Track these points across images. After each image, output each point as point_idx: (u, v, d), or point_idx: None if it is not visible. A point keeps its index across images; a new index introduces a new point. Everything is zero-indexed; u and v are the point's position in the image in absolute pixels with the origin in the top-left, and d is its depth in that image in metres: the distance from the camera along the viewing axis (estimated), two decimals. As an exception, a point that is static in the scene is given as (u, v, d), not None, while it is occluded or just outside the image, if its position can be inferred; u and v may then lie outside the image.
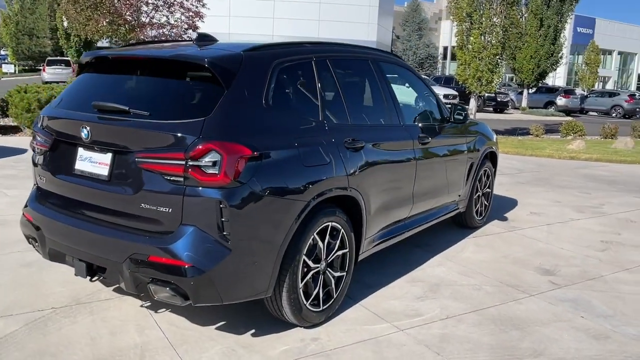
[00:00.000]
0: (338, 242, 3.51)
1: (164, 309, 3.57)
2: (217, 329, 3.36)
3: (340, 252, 3.56)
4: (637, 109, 33.55)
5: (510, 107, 31.57)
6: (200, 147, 2.74)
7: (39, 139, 3.41)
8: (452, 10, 14.70)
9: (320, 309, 3.43)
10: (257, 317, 3.48)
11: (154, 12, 15.73)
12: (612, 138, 16.74)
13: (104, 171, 3.03)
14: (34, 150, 3.51)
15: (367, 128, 3.90)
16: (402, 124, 4.26)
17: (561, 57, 29.98)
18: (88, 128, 3.02)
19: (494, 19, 14.14)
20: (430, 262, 4.77)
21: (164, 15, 15.83)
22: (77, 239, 3.12)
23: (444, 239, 5.40)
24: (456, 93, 27.52)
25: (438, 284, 4.27)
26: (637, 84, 65.57)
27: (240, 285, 2.95)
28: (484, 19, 14.25)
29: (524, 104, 32.15)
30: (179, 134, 2.78)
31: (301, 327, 3.39)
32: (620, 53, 64.26)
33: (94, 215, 3.10)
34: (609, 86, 60.04)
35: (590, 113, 34.94)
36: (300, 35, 42.85)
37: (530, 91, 32.60)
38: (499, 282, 4.39)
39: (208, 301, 2.89)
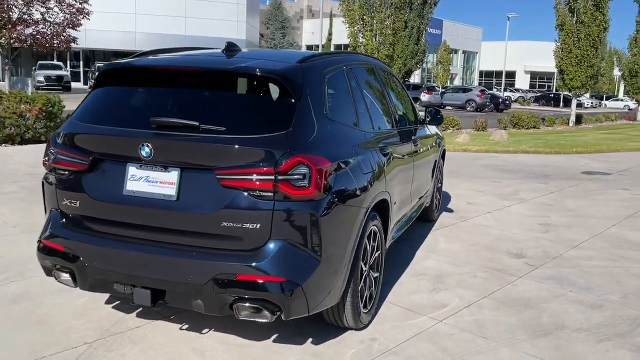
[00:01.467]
0: (377, 244, 3.67)
1: (207, 329, 3.46)
2: (274, 342, 3.35)
3: (376, 254, 3.71)
4: (487, 103, 37.49)
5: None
6: (289, 160, 2.74)
7: (64, 157, 3.11)
8: (345, 13, 15.27)
9: (367, 310, 3.56)
10: (301, 327, 3.49)
11: (25, 7, 14.30)
12: (483, 130, 18.55)
13: (169, 191, 2.88)
14: (52, 171, 3.19)
15: (386, 132, 4.09)
16: (405, 126, 4.52)
17: (424, 57, 32.31)
18: (150, 145, 2.84)
19: (385, 22, 14.95)
20: (418, 255, 5.09)
21: (38, 10, 14.46)
22: (140, 265, 2.93)
23: (416, 234, 5.76)
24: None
25: (439, 275, 4.60)
26: (479, 80, 72.75)
27: (323, 294, 2.99)
28: (375, 21, 15.00)
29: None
30: (267, 149, 2.75)
31: (352, 330, 3.49)
32: (464, 52, 70.82)
33: (159, 238, 2.93)
34: (456, 82, 65.87)
35: (447, 107, 38.16)
36: (166, 32, 41.38)
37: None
38: (486, 268, 4.83)
39: (298, 314, 2.89)
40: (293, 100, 2.93)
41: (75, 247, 3.06)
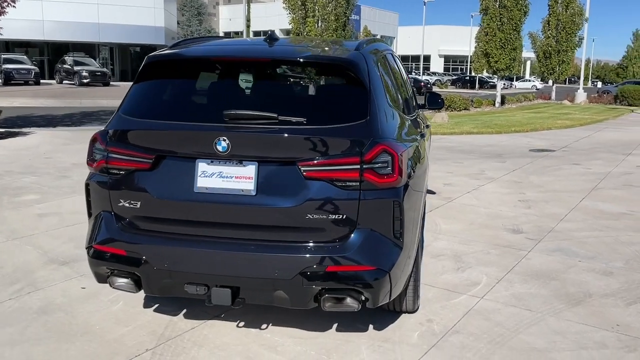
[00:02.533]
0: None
1: (265, 324, 3.41)
2: (338, 331, 3.35)
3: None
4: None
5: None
6: (374, 149, 2.74)
7: (120, 156, 2.92)
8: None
9: (418, 293, 3.64)
10: (355, 315, 3.47)
11: None
12: (421, 113, 19.10)
13: (248, 186, 2.79)
14: (103, 171, 2.99)
15: (412, 117, 4.16)
16: (416, 110, 4.60)
17: (352, 42, 32.73)
18: (227, 140, 2.74)
19: (327, 7, 14.99)
20: (427, 237, 5.22)
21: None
22: (217, 264, 2.83)
23: (414, 216, 5.90)
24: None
25: (456, 255, 4.76)
26: (398, 64, 74.38)
27: (402, 280, 3.03)
28: (317, 7, 15.00)
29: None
30: (351, 138, 2.73)
31: (405, 313, 3.55)
32: (382, 37, 72.25)
33: (236, 234, 2.84)
34: (377, 66, 66.94)
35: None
36: (77, 20, 39.04)
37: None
38: (494, 245, 5.05)
39: (383, 302, 2.91)
40: (364, 88, 2.92)
41: (141, 251, 2.90)
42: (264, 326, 3.39)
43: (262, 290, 2.85)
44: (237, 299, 2.87)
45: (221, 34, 66.90)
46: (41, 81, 32.54)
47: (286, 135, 2.75)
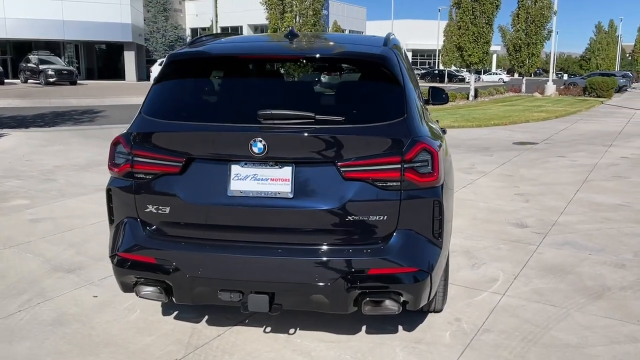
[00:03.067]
0: None
1: (292, 329, 3.32)
2: (368, 333, 3.29)
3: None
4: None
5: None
6: (415, 147, 2.68)
7: (147, 160, 2.79)
8: (263, -6, 14.98)
9: (447, 293, 3.60)
10: (373, 318, 3.41)
11: None
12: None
13: (284, 188, 2.70)
14: (127, 176, 2.85)
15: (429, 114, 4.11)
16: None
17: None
18: (263, 141, 2.63)
19: (305, 2, 14.88)
20: (435, 233, 5.20)
21: None
22: (254, 270, 2.72)
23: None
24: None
25: (467, 251, 4.74)
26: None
27: (439, 280, 2.98)
28: (295, 2, 14.87)
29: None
30: (391, 137, 2.67)
31: (432, 313, 3.51)
32: (351, 32, 72.30)
33: (273, 238, 2.74)
34: (347, 61, 67.06)
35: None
36: (41, 17, 37.85)
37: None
38: (502, 240, 5.06)
39: (423, 303, 2.85)
40: (399, 85, 2.85)
41: (172, 258, 2.78)
42: (291, 331, 3.31)
43: (301, 295, 2.76)
44: (274, 304, 2.78)
45: (187, 31, 65.96)
46: (5, 81, 31.49)
47: (325, 135, 2.66)
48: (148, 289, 2.87)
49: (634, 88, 45.46)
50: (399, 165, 2.66)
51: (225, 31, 65.21)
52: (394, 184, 2.68)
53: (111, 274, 4.07)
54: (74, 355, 3.02)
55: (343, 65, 2.90)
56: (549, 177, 7.97)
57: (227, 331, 3.30)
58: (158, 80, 2.99)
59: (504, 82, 57.72)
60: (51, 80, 30.93)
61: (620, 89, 35.55)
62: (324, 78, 2.91)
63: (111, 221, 3.00)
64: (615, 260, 4.55)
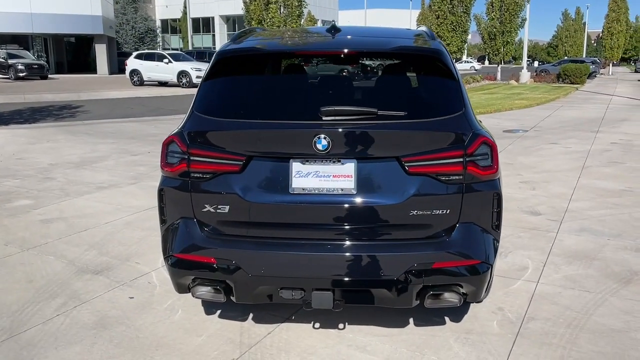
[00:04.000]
0: None
1: (341, 324, 3.32)
2: (417, 326, 3.31)
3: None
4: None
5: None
6: (476, 141, 2.71)
7: (205, 159, 2.74)
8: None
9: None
10: (419, 311, 3.41)
11: None
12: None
13: (348, 184, 2.69)
14: (183, 175, 2.80)
15: None
16: None
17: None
18: (327, 138, 2.61)
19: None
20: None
21: None
22: (319, 266, 2.71)
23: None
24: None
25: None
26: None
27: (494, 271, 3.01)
28: (279, -7, 14.73)
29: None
30: (453, 131, 2.69)
31: (473, 303, 3.55)
32: (323, 22, 72.10)
33: (337, 235, 2.73)
34: (320, 51, 66.87)
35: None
36: (7, 10, 36.65)
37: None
38: (520, 228, 5.14)
39: (484, 294, 2.89)
40: (454, 79, 2.87)
41: (233, 257, 2.74)
42: (341, 326, 3.31)
43: (366, 290, 2.76)
44: (336, 301, 2.77)
45: (158, 22, 64.88)
46: (-28, 76, 30.54)
47: (388, 130, 2.66)
48: (206, 290, 2.84)
49: (601, 74, 46.50)
50: (462, 159, 2.68)
51: (196, 22, 64.38)
52: (457, 177, 2.69)
53: (142, 274, 4.08)
54: (127, 359, 2.97)
55: (400, 60, 2.90)
56: (548, 164, 8.12)
57: (277, 328, 3.29)
58: (208, 77, 2.93)
59: (475, 70, 58.43)
60: (21, 75, 30.08)
61: (590, 75, 36.33)
62: (381, 72, 2.90)
63: (163, 222, 2.95)
64: (635, 245, 4.67)
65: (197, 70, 26.34)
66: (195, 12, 64.46)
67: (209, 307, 3.53)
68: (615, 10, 48.59)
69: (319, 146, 2.62)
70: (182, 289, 2.92)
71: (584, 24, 77.78)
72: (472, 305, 3.54)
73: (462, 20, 23.77)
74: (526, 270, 4.13)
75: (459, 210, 2.73)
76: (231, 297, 2.85)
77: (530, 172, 7.54)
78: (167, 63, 26.74)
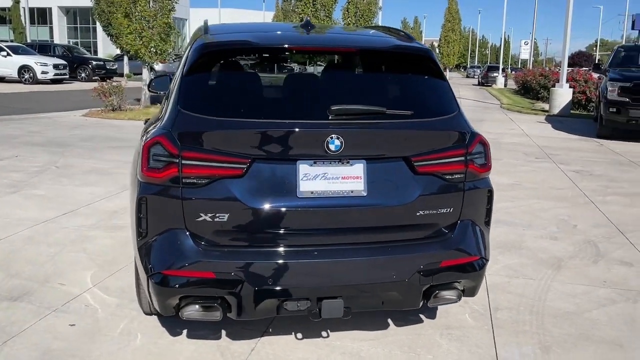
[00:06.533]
0: None
1: (324, 332, 3.18)
2: (398, 327, 3.28)
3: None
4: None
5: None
6: (475, 140, 2.76)
7: (202, 163, 2.44)
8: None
9: None
10: (383, 313, 3.41)
11: None
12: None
13: (357, 186, 2.57)
14: (174, 181, 2.46)
15: None
16: None
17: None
18: (340, 138, 2.47)
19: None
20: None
21: None
22: (330, 274, 2.56)
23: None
24: (66, 63, 25.51)
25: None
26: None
27: None
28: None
29: (127, 70, 31.95)
30: (456, 130, 2.72)
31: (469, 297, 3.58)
32: (174, 19, 69.57)
33: (348, 239, 2.61)
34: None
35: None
36: None
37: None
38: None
39: (479, 290, 2.93)
40: (443, 79, 2.91)
41: (235, 270, 2.48)
42: (324, 334, 3.17)
43: (376, 294, 2.67)
44: (346, 308, 2.64)
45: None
46: None
47: (398, 130, 2.60)
48: (199, 309, 2.53)
49: (450, 78, 50.81)
50: (464, 158, 2.71)
51: (32, 12, 58.33)
52: (459, 176, 2.72)
53: (73, 296, 3.55)
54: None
55: (394, 59, 2.84)
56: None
57: (258, 343, 3.04)
58: (190, 72, 2.61)
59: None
60: None
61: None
62: (377, 71, 2.82)
63: (140, 235, 2.56)
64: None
65: (43, 65, 23.97)
66: (31, 2, 58.45)
67: (172, 326, 3.17)
68: (450, 21, 53.42)
69: (332, 147, 2.47)
70: (167, 310, 2.56)
71: (421, 32, 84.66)
72: (463, 300, 3.58)
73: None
74: (542, 254, 4.33)
75: (460, 208, 2.76)
76: (228, 315, 2.57)
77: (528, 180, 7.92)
78: (5, 56, 23.94)
